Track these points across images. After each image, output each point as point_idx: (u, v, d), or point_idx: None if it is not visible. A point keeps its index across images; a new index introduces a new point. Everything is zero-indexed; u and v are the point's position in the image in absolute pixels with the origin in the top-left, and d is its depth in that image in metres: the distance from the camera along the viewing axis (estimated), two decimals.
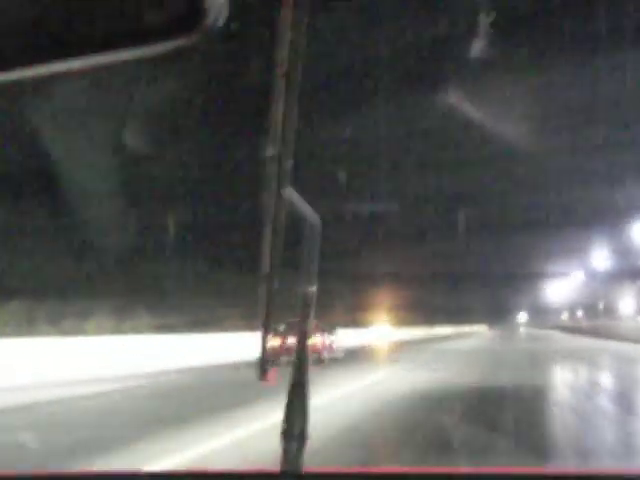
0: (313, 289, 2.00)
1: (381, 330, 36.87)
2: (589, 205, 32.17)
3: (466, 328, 71.17)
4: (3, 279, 18.97)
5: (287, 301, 2.03)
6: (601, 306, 61.47)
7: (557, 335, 51.61)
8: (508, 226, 38.23)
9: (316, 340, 18.59)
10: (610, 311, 59.46)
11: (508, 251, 48.41)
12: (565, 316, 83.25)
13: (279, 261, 1.87)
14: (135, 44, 0.91)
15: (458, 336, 50.99)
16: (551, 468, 5.49)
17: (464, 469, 3.82)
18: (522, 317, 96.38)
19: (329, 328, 20.82)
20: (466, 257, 45.25)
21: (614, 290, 59.29)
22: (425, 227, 36.34)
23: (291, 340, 2.64)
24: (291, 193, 1.88)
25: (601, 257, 55.11)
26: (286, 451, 1.89)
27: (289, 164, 1.87)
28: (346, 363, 20.74)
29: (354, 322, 35.41)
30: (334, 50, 15.96)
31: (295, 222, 1.94)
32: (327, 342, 20.38)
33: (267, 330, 1.92)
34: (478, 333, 64.03)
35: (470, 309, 77.28)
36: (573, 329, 57.59)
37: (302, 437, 1.90)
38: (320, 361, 18.55)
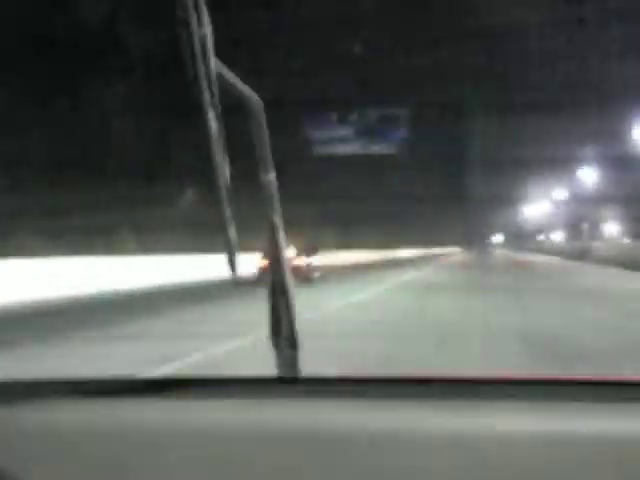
0: (272, 177, 1.71)
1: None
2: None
3: (436, 250, 65.28)
4: None
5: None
6: (585, 227, 55.84)
7: (550, 261, 38.13)
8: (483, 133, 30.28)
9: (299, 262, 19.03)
10: (594, 233, 54.21)
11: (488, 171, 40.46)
12: (545, 238, 78.43)
13: (224, 151, 1.48)
14: None
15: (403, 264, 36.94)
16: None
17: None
18: (498, 239, 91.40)
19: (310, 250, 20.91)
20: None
21: (599, 211, 54.08)
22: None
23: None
24: (219, 67, 1.48)
25: (587, 174, 49.42)
26: (279, 356, 1.72)
27: (207, 29, 1.43)
28: None
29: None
30: None
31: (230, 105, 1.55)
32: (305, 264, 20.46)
33: (230, 221, 1.51)
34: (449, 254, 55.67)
35: (443, 232, 72.25)
36: (565, 253, 47.95)
37: (292, 341, 1.71)
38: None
